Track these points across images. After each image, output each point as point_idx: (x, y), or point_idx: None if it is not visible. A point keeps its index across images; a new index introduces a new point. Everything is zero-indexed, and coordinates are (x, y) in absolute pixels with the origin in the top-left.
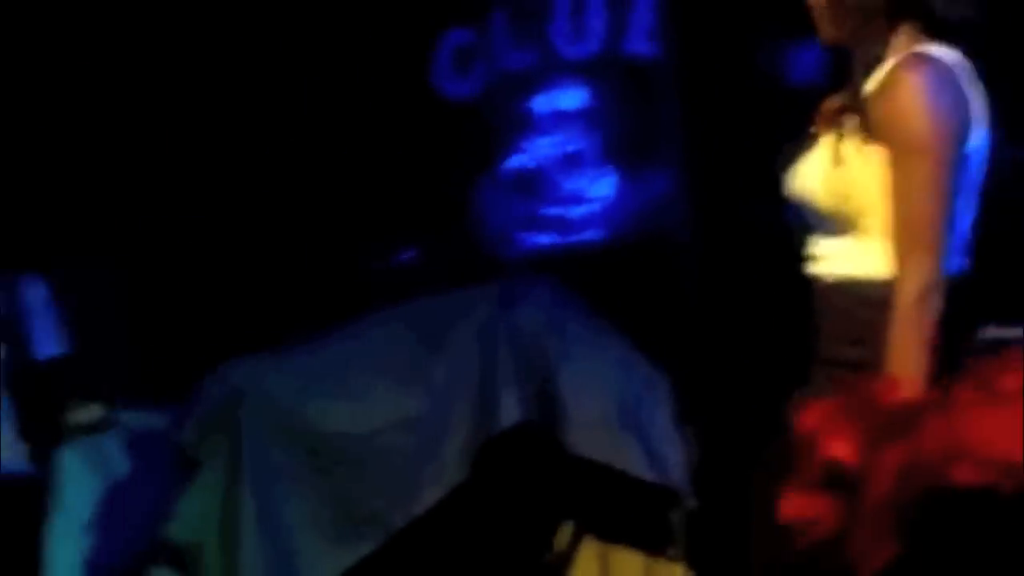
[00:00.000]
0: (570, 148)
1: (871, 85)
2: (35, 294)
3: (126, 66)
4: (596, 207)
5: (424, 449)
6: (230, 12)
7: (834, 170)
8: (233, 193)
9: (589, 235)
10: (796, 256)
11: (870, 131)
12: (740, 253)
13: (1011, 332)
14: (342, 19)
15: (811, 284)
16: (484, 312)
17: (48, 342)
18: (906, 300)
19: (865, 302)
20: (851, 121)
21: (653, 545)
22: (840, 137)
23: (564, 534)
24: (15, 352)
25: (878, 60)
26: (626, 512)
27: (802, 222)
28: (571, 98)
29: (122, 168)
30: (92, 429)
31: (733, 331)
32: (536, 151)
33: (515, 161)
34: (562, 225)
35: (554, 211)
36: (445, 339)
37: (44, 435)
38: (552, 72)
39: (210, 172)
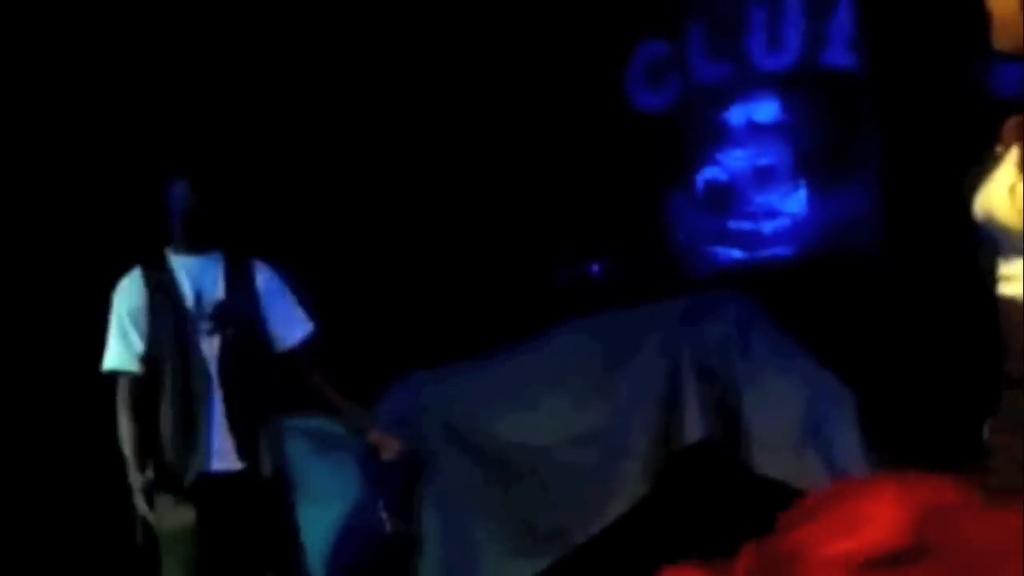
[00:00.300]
0: (763, 161)
1: None
2: (267, 279)
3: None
4: (787, 222)
5: (605, 464)
6: (438, 32)
7: (1019, 187)
8: (430, 203)
9: (779, 250)
10: (987, 277)
11: None
12: (932, 272)
13: None
14: (538, 31)
15: (1001, 305)
16: (670, 327)
17: (290, 327)
18: None
19: None
20: None
21: None
22: None
23: None
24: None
25: None
26: None
27: (992, 242)
28: (766, 110)
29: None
30: None
31: (923, 349)
32: (729, 164)
33: (707, 173)
34: (752, 240)
35: (745, 225)
36: (630, 354)
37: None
38: (747, 84)
39: (409, 182)
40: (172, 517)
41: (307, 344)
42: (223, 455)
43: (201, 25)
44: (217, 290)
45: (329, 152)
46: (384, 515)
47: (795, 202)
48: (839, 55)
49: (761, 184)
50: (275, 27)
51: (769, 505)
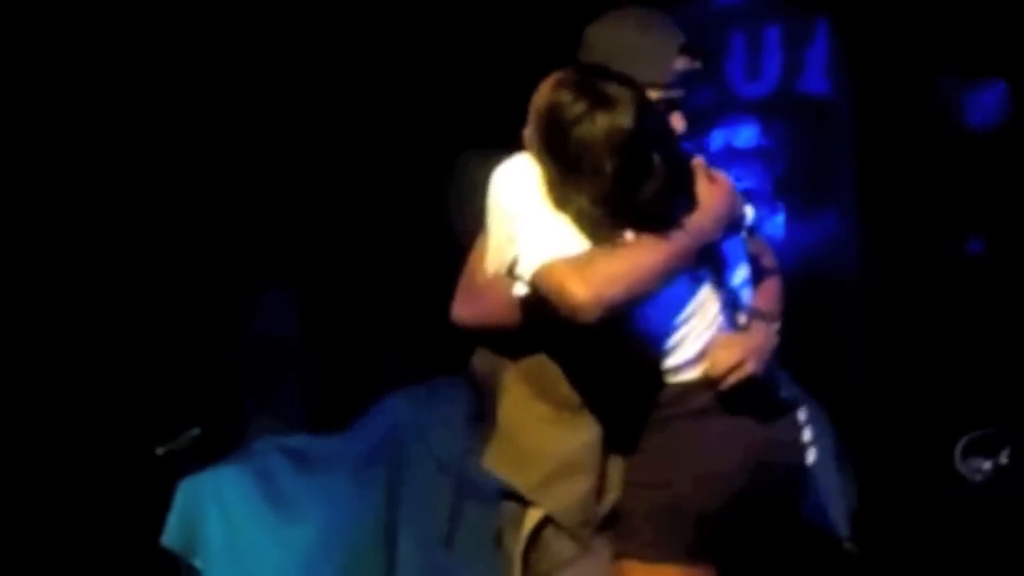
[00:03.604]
0: (742, 186)
1: None
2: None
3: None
4: None
5: None
6: None
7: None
8: None
9: None
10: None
11: None
12: (909, 296)
13: None
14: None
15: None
16: None
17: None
18: None
19: None
20: None
21: None
22: None
23: None
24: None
25: None
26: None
27: None
28: (745, 136)
29: None
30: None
31: (899, 373)
32: None
33: None
34: None
35: None
36: None
37: None
38: (727, 110)
39: None
40: None
41: None
42: None
43: None
44: None
45: None
46: None
47: (773, 226)
48: (816, 82)
49: None
50: None
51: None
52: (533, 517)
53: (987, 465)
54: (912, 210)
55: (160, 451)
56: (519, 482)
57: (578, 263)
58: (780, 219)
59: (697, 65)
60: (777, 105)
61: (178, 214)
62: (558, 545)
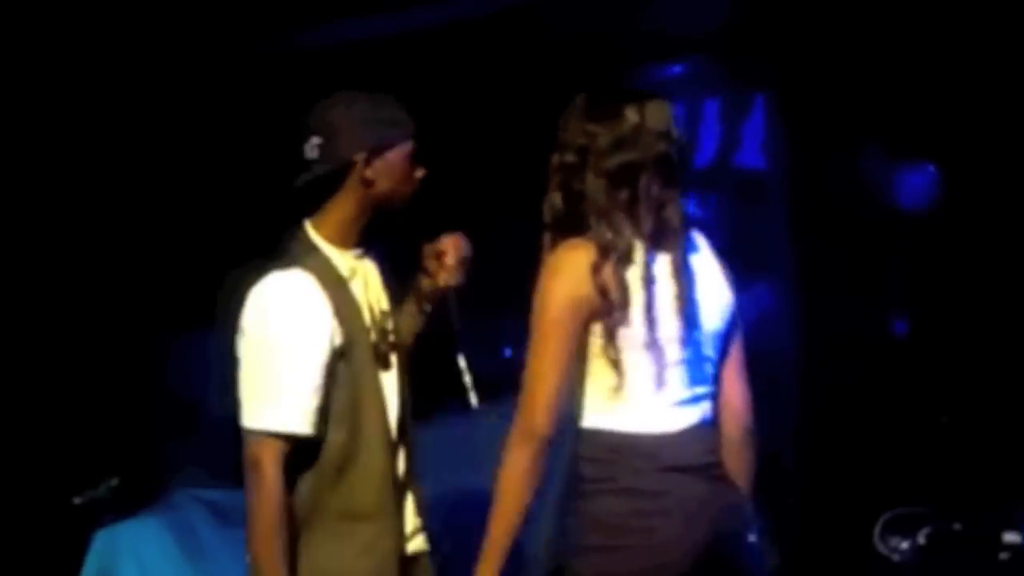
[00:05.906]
0: None
1: None
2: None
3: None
4: None
5: None
6: None
7: None
8: None
9: None
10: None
11: None
12: (834, 372)
13: None
14: None
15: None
16: None
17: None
18: None
19: None
20: None
21: None
22: None
23: None
24: None
25: None
26: None
27: None
28: None
29: None
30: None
31: (832, 450)
32: None
33: None
34: None
35: None
36: None
37: None
38: None
39: None
40: None
41: None
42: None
43: None
44: (383, 299)
45: None
46: None
47: None
48: (752, 157)
49: None
50: None
51: None
52: None
53: (905, 545)
54: (841, 288)
55: (78, 500)
56: None
57: (277, 465)
58: None
59: None
60: (712, 178)
61: (98, 258)
62: None
